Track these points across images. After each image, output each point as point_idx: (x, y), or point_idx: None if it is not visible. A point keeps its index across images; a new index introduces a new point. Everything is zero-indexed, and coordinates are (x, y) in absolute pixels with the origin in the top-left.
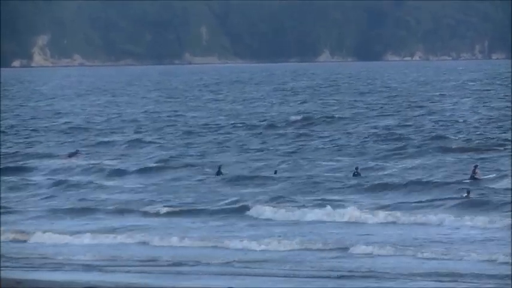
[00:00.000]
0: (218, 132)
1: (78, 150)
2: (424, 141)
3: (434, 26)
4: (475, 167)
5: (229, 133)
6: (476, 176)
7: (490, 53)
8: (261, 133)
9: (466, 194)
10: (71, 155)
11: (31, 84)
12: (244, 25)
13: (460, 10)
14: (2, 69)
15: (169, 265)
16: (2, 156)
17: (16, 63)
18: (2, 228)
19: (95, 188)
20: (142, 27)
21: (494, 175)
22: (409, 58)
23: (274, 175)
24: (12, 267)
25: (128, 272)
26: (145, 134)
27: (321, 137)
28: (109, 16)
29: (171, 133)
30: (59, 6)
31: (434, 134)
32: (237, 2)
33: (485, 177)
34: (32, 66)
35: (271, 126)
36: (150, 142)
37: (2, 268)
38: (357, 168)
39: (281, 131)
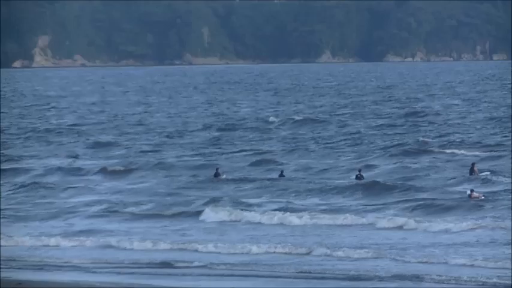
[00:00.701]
0: (194, 134)
1: (78, 155)
2: (412, 142)
3: (435, 27)
4: (473, 164)
5: (207, 134)
6: (474, 174)
7: (491, 54)
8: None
9: (469, 193)
10: (70, 158)
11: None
12: (245, 26)
13: (461, 11)
14: (3, 69)
15: (154, 267)
16: None
17: (17, 63)
18: None
19: (62, 190)
20: (144, 27)
21: (488, 173)
22: (410, 59)
23: (279, 177)
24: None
25: (119, 273)
26: (122, 136)
27: (303, 138)
28: (110, 17)
29: (151, 134)
30: (61, 7)
31: (419, 136)
32: (239, 2)
33: (482, 174)
34: (33, 67)
35: (251, 127)
36: (128, 144)
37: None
38: (360, 171)
39: (259, 132)
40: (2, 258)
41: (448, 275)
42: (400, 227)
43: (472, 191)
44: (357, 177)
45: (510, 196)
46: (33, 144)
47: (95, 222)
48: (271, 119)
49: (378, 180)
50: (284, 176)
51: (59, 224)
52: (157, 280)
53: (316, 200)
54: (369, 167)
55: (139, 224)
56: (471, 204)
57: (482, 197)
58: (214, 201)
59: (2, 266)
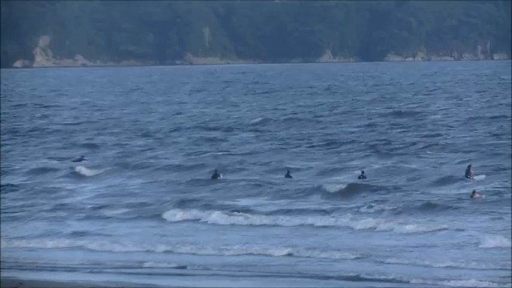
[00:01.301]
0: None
1: (83, 156)
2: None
3: (436, 27)
4: (469, 166)
5: (189, 136)
6: (470, 175)
7: (492, 54)
8: (215, 137)
9: (471, 193)
10: (75, 161)
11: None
12: (246, 26)
13: (462, 11)
14: (3, 69)
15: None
16: None
17: (18, 63)
18: None
19: (41, 192)
20: (145, 27)
21: (484, 175)
22: (411, 59)
23: (282, 178)
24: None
25: (119, 273)
26: (107, 136)
27: (288, 138)
28: (111, 17)
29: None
30: (61, 7)
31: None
32: (239, 2)
33: (476, 176)
34: (34, 67)
35: (235, 127)
36: (114, 145)
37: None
38: (362, 172)
39: (238, 134)
40: (2, 259)
41: (436, 277)
42: (391, 228)
43: (474, 191)
44: (360, 178)
45: (509, 196)
46: (14, 144)
47: (89, 223)
48: (255, 120)
49: (368, 181)
50: (291, 176)
51: (42, 226)
52: (157, 280)
53: (306, 201)
54: (356, 167)
55: (127, 225)
56: (471, 204)
57: (483, 197)
58: (183, 201)
59: (2, 266)
